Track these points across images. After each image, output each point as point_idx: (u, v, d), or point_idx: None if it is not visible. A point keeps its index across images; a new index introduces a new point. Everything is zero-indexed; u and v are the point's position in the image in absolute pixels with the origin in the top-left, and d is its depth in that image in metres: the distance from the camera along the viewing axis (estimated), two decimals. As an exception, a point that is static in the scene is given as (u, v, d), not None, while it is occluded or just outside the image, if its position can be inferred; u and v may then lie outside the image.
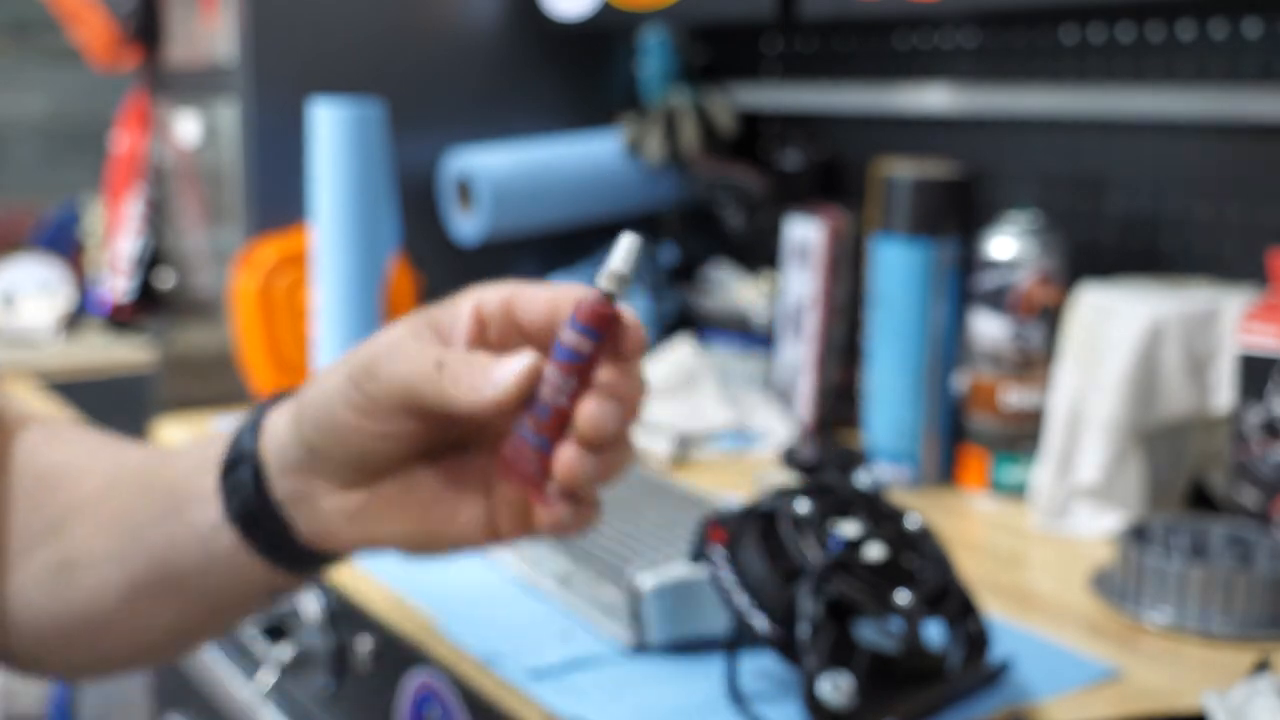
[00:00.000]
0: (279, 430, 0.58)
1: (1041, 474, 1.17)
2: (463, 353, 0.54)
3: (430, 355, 0.54)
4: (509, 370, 0.52)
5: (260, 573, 0.59)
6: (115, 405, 1.93)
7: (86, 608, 0.62)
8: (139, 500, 0.62)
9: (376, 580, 1.01)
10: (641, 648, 0.86)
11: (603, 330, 0.52)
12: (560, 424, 0.52)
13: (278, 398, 0.60)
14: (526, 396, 0.53)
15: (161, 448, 0.67)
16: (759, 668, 0.83)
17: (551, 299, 0.55)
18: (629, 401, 0.53)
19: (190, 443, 0.64)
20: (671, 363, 1.47)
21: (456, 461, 0.57)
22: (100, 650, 0.64)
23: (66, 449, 0.67)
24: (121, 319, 1.86)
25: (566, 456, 0.52)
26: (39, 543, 0.63)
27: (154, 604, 0.62)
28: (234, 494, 0.58)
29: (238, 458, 0.58)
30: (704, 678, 0.83)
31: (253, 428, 0.59)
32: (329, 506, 0.57)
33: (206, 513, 0.59)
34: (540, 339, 0.55)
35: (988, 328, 1.20)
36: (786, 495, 0.82)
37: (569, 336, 0.52)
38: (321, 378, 0.57)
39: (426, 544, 0.58)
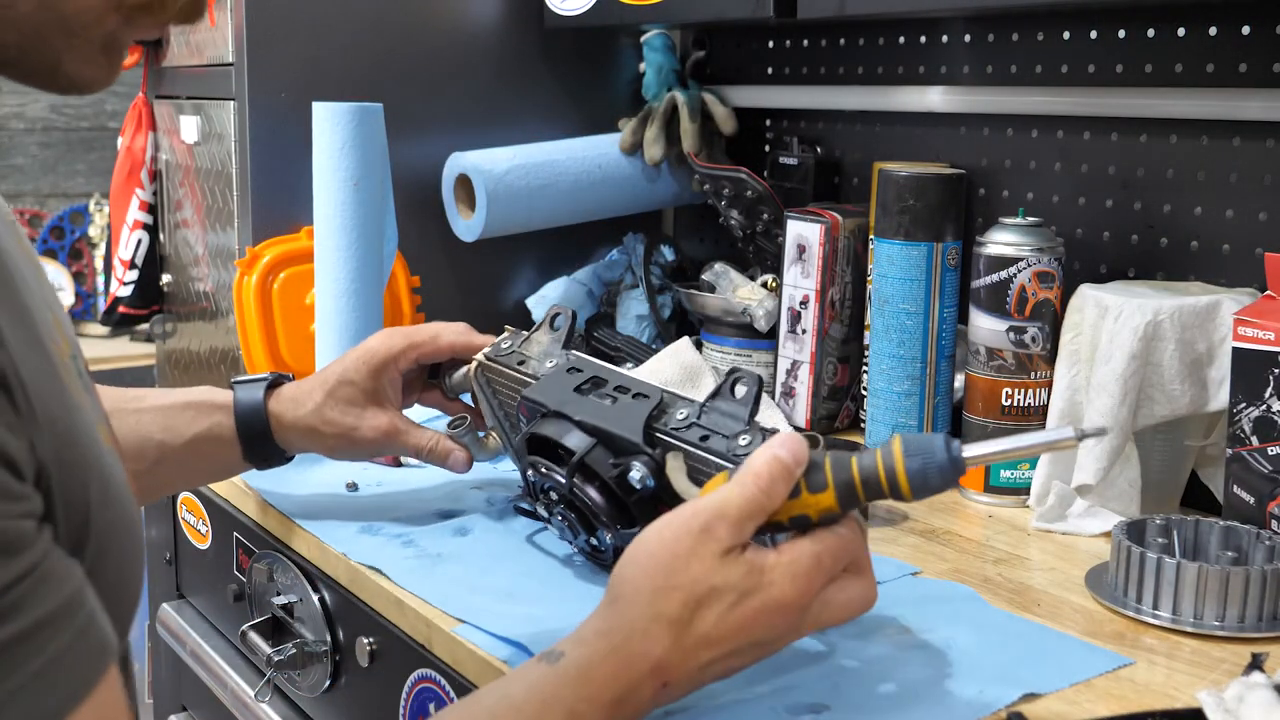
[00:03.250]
0: (292, 429, 1.08)
1: (1040, 473, 1.17)
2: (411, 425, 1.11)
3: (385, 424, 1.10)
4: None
5: (244, 468, 1.10)
6: (116, 405, 1.93)
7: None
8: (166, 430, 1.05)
9: (377, 580, 1.01)
10: None
11: None
12: None
13: (274, 381, 1.09)
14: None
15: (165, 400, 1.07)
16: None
17: (447, 353, 1.13)
18: None
19: (193, 399, 1.07)
20: (671, 363, 1.47)
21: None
22: None
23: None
24: (122, 319, 1.86)
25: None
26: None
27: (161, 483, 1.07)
28: (250, 441, 1.07)
29: (256, 423, 1.07)
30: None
31: (262, 405, 1.07)
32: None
33: (225, 448, 1.07)
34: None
35: (987, 327, 1.21)
36: None
37: None
38: (321, 450, 1.11)
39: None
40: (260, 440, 1.07)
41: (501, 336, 1.10)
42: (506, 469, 1.24)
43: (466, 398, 1.27)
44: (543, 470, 0.96)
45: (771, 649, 0.75)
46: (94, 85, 0.61)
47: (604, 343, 1.63)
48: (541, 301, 1.68)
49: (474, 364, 1.10)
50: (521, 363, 1.05)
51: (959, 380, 1.29)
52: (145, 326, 1.88)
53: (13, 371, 0.52)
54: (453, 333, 1.11)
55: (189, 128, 1.67)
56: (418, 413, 1.33)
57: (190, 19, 0.63)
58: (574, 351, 1.04)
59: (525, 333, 1.09)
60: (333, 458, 1.11)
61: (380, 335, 1.12)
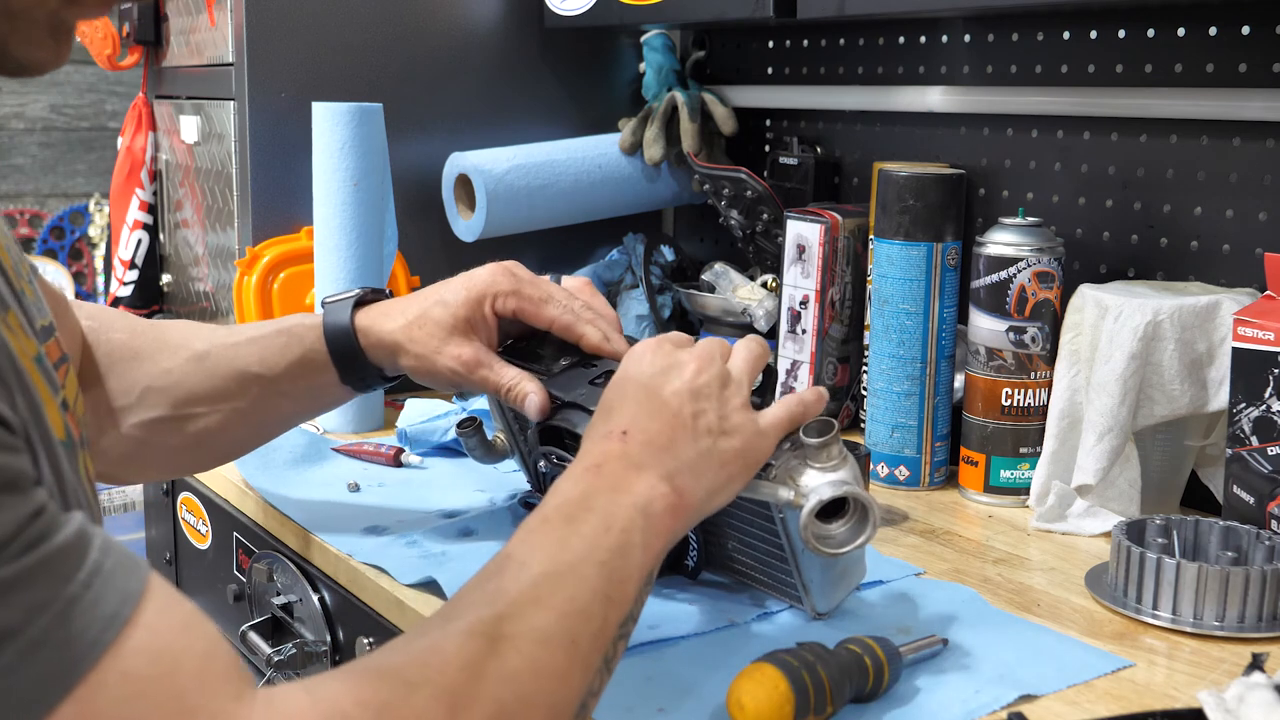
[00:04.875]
0: (378, 345, 1.02)
1: (1039, 473, 1.17)
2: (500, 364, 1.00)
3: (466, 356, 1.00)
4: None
5: (348, 393, 1.06)
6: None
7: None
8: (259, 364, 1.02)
9: (377, 580, 1.01)
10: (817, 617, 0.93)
11: None
12: None
13: (361, 300, 1.03)
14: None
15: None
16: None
17: (546, 323, 1.02)
18: None
19: (286, 325, 1.04)
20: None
21: None
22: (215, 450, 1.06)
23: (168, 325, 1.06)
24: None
25: None
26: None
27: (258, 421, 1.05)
28: (342, 361, 1.02)
29: (345, 341, 1.01)
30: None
31: (349, 323, 1.01)
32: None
33: (322, 373, 1.02)
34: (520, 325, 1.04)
35: (987, 327, 1.21)
36: None
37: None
38: (404, 369, 1.03)
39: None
40: (351, 359, 1.02)
41: (516, 337, 1.10)
42: (507, 469, 1.24)
43: (479, 399, 1.27)
44: (555, 460, 0.96)
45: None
46: (43, 67, 0.61)
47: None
48: (541, 301, 1.68)
49: None
50: (536, 360, 1.05)
51: (959, 380, 1.29)
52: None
53: None
54: (561, 309, 1.02)
55: (189, 128, 1.67)
56: (420, 410, 1.33)
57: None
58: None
59: (541, 333, 1.09)
60: (417, 381, 1.04)
61: (493, 267, 1.04)
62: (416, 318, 1.01)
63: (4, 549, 0.48)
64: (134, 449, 1.00)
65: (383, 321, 1.02)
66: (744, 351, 0.87)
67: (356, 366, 1.03)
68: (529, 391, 0.98)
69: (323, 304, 1.04)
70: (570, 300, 1.03)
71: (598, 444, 0.78)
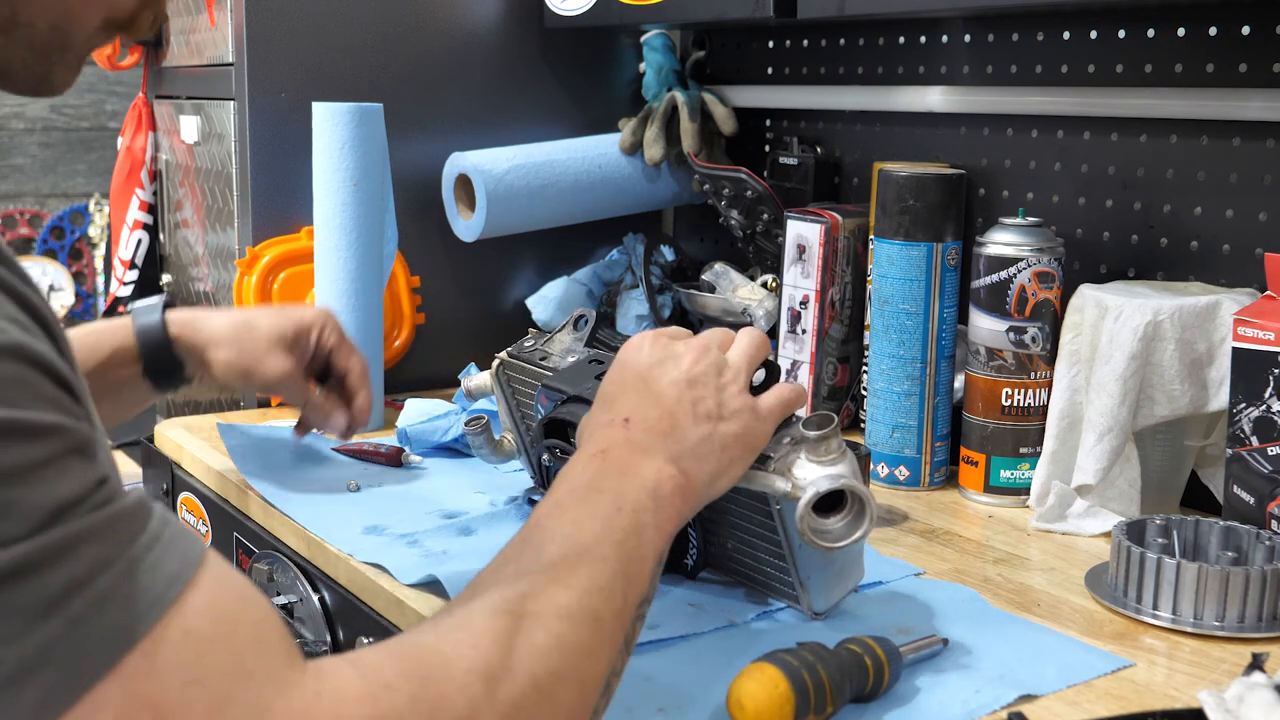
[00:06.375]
0: (192, 337, 1.15)
1: (1040, 473, 1.17)
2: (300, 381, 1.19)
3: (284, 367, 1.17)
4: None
5: (144, 393, 1.16)
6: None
7: None
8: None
9: (377, 580, 1.01)
10: (815, 616, 0.93)
11: None
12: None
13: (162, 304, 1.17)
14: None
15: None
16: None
17: (353, 371, 1.21)
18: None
19: (97, 325, 1.13)
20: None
21: None
22: None
23: None
24: (122, 319, 1.87)
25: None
26: None
27: None
28: (157, 374, 1.14)
29: (154, 334, 1.14)
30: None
31: (160, 319, 1.15)
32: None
33: (128, 368, 1.13)
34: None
35: (987, 327, 1.21)
36: None
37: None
38: (213, 362, 1.16)
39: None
40: (159, 352, 1.14)
41: (525, 337, 1.12)
42: (508, 470, 1.24)
43: (485, 401, 1.26)
44: (558, 453, 0.97)
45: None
46: (64, 88, 0.67)
47: (604, 343, 1.63)
48: (541, 301, 1.68)
49: (496, 362, 1.11)
50: (543, 359, 1.05)
51: (959, 380, 1.29)
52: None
53: (55, 323, 0.55)
54: (361, 363, 1.23)
55: (189, 128, 1.67)
56: (420, 410, 1.33)
57: (148, 35, 0.70)
58: (595, 350, 1.05)
59: (548, 333, 1.10)
60: (217, 379, 1.17)
61: (323, 309, 1.23)
62: (242, 322, 1.17)
63: (75, 507, 0.50)
64: None
65: (203, 319, 1.16)
66: (744, 341, 0.88)
67: (162, 359, 1.15)
68: (333, 409, 1.20)
69: (129, 310, 1.15)
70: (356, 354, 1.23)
71: (601, 431, 0.79)
